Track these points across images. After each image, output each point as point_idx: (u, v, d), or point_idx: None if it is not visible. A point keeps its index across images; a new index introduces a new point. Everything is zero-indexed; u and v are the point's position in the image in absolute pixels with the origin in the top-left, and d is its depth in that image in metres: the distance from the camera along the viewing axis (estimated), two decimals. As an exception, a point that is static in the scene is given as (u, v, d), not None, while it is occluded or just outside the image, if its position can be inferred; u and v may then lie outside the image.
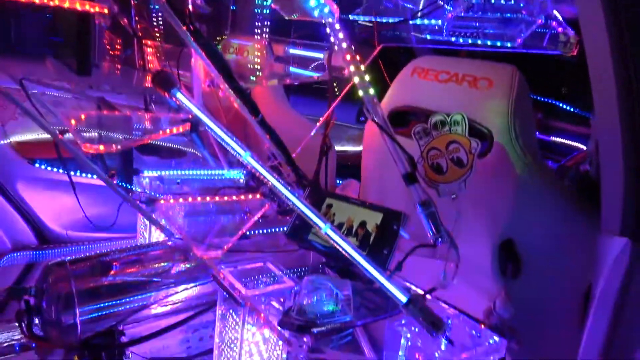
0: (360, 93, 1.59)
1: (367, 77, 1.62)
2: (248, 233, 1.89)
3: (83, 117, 2.14)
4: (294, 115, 3.17)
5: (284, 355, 1.86)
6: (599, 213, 1.44)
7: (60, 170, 3.07)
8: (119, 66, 2.92)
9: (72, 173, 3.08)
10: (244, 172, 2.05)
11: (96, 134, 2.13)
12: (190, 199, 1.98)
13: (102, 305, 1.91)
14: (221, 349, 1.87)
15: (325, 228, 1.41)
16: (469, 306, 1.59)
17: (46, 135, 2.56)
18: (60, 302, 1.82)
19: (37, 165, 2.98)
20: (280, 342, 1.82)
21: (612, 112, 1.30)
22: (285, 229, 1.83)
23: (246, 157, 1.38)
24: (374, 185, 2.15)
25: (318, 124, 2.14)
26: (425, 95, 1.96)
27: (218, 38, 2.92)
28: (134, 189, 2.15)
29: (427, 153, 1.58)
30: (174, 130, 1.92)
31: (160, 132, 1.93)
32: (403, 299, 1.36)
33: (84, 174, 3.12)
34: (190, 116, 1.96)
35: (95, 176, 3.15)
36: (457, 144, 1.52)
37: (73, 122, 2.09)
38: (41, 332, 1.87)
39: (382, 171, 2.04)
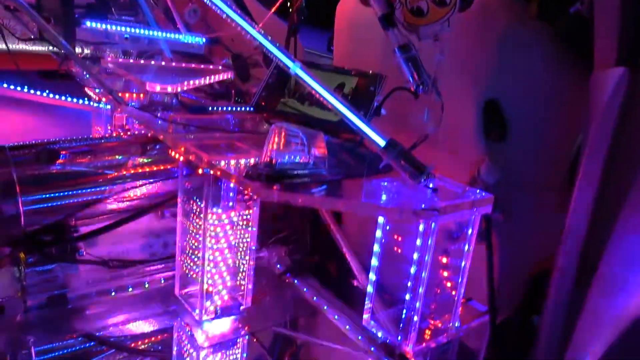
0: None
1: None
2: (211, 109, 1.71)
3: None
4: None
5: (253, 246, 1.73)
6: (589, 57, 1.33)
7: (5, 85, 2.78)
8: None
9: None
10: (205, 38, 1.85)
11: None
12: (142, 60, 1.76)
13: (48, 195, 1.71)
14: (185, 244, 1.72)
15: (294, 67, 1.24)
16: (452, 177, 1.46)
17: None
18: (0, 189, 1.62)
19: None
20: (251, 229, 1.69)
21: None
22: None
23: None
24: (346, 58, 1.98)
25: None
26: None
27: None
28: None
29: (407, -3, 1.42)
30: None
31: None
32: (382, 142, 1.22)
33: (32, 90, 2.84)
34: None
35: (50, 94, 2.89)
36: (438, -17, 1.37)
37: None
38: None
39: (355, 45, 1.88)
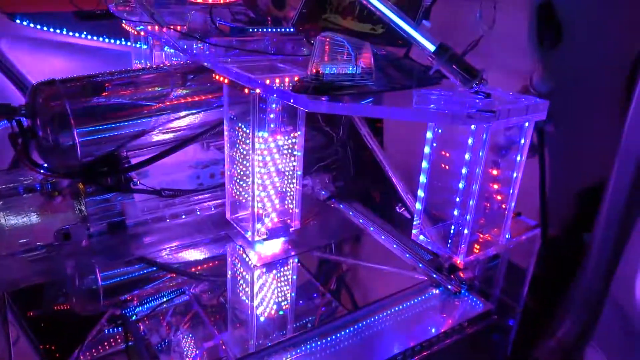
0: None
1: None
2: (252, 30, 1.68)
3: None
4: None
5: (299, 171, 1.75)
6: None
7: (45, 28, 2.82)
8: None
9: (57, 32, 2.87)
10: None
11: None
12: None
13: (99, 127, 1.76)
14: (233, 171, 1.75)
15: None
16: (504, 87, 1.40)
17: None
18: (55, 122, 1.67)
19: (18, 21, 2.74)
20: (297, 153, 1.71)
21: None
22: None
23: None
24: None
25: None
26: None
27: None
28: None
29: None
30: None
31: None
32: (432, 47, 1.18)
33: (70, 32, 2.88)
34: None
35: (88, 36, 2.91)
36: None
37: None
38: (41, 161, 1.76)
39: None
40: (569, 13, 1.46)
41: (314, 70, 1.23)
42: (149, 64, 2.46)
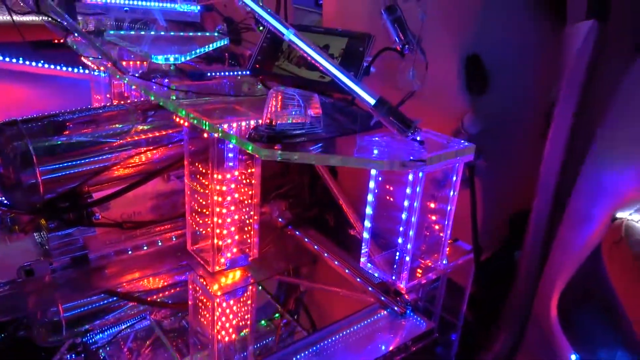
0: None
1: None
2: (209, 74, 1.80)
3: None
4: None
5: (257, 202, 1.86)
6: (563, 12, 1.42)
7: (1, 57, 2.82)
8: None
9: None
10: (199, 6, 1.91)
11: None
12: (142, 32, 1.84)
13: (62, 165, 1.82)
14: (193, 204, 1.85)
15: (288, 34, 1.33)
16: (437, 130, 1.58)
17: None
18: (18, 162, 1.73)
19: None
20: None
21: None
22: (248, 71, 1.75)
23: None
24: (334, 18, 2.06)
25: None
26: None
27: None
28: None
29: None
30: None
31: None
32: (372, 101, 1.33)
33: (27, 62, 2.89)
34: None
35: (45, 64, 2.93)
36: (419, -56, 1.44)
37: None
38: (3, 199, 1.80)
39: (343, 5, 1.95)
40: (493, 64, 1.65)
41: (268, 121, 1.36)
42: (108, 95, 2.52)
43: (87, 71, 2.74)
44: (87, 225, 1.90)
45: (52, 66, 2.96)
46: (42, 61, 2.94)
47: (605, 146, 1.26)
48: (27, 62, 2.89)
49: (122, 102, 2.19)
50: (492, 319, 1.91)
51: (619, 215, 1.15)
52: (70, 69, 3.00)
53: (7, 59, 2.85)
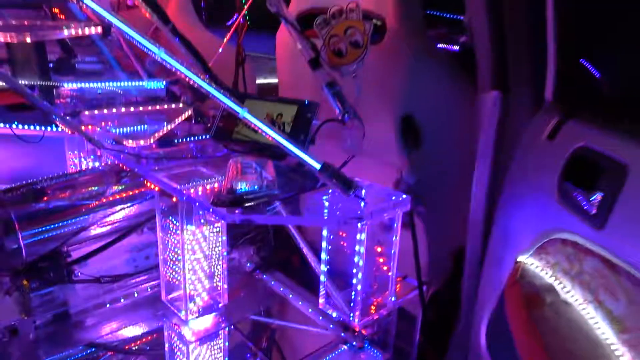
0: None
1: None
2: (176, 141, 2.00)
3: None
4: (209, 33, 3.23)
5: (224, 252, 2.05)
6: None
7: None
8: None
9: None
10: (165, 82, 2.12)
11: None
12: (114, 110, 2.03)
13: (42, 229, 1.98)
14: (166, 256, 2.02)
15: (242, 112, 1.55)
16: (381, 181, 1.81)
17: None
18: (1, 228, 1.88)
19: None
20: (222, 238, 2.01)
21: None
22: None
23: (160, 53, 1.48)
24: (289, 86, 2.30)
25: (226, 38, 2.23)
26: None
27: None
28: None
29: (329, 40, 1.74)
30: (86, 31, 1.95)
31: (73, 31, 1.93)
32: (317, 165, 1.55)
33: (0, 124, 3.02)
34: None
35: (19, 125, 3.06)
36: (353, 28, 1.69)
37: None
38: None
39: (296, 75, 2.19)
40: (425, 122, 1.91)
41: (229, 187, 1.57)
42: (81, 154, 2.69)
43: (60, 129, 2.89)
44: (67, 282, 2.05)
45: (26, 127, 3.09)
46: (15, 121, 3.07)
47: (510, 195, 1.50)
48: (0, 125, 3.01)
49: (97, 164, 2.37)
50: (445, 343, 2.12)
51: (519, 258, 1.38)
52: (43, 128, 3.14)
53: (-18, 123, 2.96)
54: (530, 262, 1.33)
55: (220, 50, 2.24)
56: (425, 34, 1.93)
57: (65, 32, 1.94)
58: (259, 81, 3.92)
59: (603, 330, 1.18)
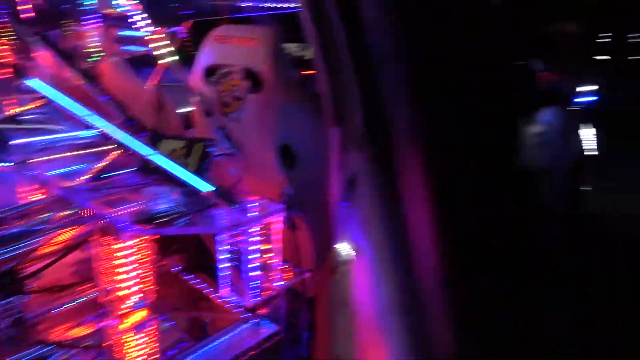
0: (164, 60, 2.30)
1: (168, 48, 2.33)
2: (107, 175, 2.55)
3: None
4: (140, 83, 3.77)
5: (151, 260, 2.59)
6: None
7: None
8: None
9: None
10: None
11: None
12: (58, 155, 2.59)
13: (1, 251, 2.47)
14: (103, 266, 2.55)
15: (149, 154, 2.13)
16: (269, 194, 2.43)
17: None
18: (-35, 253, 2.36)
19: None
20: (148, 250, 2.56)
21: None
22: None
23: (87, 116, 2.04)
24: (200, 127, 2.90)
25: (145, 86, 2.80)
26: (224, 54, 2.71)
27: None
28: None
29: (220, 95, 2.35)
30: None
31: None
32: (211, 188, 2.15)
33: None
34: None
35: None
36: (235, 86, 2.31)
37: None
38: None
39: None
40: (298, 149, 2.54)
41: (146, 209, 2.14)
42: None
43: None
44: (23, 293, 2.53)
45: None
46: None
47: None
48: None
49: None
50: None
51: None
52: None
53: None
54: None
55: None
56: (295, 80, 2.57)
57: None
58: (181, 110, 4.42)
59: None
